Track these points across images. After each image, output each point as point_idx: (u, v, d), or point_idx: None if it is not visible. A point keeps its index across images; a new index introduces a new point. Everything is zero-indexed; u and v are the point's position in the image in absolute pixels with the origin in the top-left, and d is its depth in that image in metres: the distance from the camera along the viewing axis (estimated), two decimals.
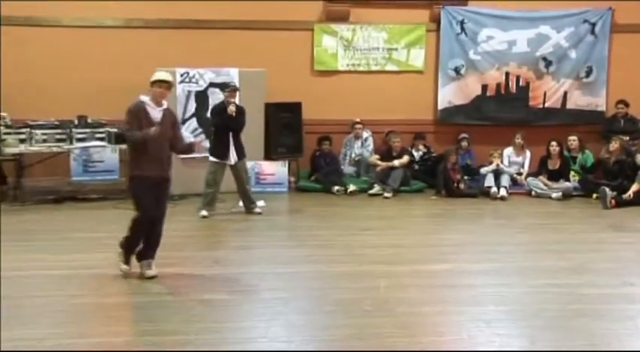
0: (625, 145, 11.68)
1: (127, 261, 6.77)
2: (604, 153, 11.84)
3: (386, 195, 11.35)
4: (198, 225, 9.29)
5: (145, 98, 6.65)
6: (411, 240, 8.48)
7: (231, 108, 9.48)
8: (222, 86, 9.99)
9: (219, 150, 9.58)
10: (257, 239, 8.54)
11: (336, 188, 11.49)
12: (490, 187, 11.46)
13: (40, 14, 11.81)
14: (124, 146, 10.69)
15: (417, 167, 12.34)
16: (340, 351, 5.01)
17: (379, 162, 11.90)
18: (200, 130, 11.24)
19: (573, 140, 12.07)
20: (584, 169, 11.90)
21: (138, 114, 6.58)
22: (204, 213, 9.58)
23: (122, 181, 10.94)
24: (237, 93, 9.75)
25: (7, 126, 10.67)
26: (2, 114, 10.79)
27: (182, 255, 7.56)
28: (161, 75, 6.73)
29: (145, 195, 6.55)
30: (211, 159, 9.67)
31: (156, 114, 6.63)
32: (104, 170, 10.76)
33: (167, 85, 6.71)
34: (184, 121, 11.11)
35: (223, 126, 9.54)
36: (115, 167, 10.77)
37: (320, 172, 11.93)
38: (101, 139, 10.85)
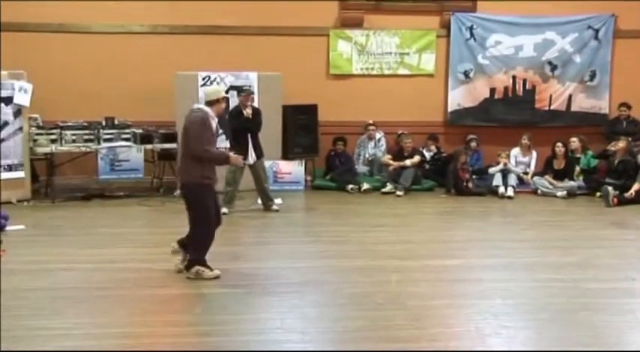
0: (629, 146, 11.54)
1: (209, 268, 6.51)
2: (611, 146, 11.76)
3: (398, 193, 11.30)
4: None
5: (207, 110, 6.53)
6: (422, 236, 8.48)
7: (248, 112, 9.54)
8: (238, 90, 9.97)
9: (238, 150, 9.43)
10: (274, 235, 8.54)
11: (350, 186, 11.44)
12: (498, 186, 11.39)
13: (70, 21, 11.83)
14: (149, 146, 10.84)
15: (427, 166, 12.29)
16: (350, 351, 4.97)
17: (391, 162, 11.84)
18: (221, 131, 10.90)
19: (573, 141, 11.90)
20: (587, 171, 11.76)
21: (209, 126, 6.49)
22: (224, 210, 9.41)
23: (146, 179, 11.12)
24: (253, 97, 9.72)
25: (38, 127, 10.72)
26: (34, 115, 10.84)
27: None
28: (221, 91, 6.85)
29: (213, 206, 6.46)
30: None
31: (214, 125, 6.65)
32: (129, 169, 10.73)
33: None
34: None
35: (241, 128, 9.55)
36: (140, 166, 10.78)
37: (335, 171, 11.89)
38: (127, 139, 10.81)
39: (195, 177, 6.34)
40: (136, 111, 11.36)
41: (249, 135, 9.57)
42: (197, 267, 6.46)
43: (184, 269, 6.55)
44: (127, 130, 10.90)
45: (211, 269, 6.51)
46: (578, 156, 11.96)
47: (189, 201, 6.44)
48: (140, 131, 10.90)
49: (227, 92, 11.13)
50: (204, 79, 11.15)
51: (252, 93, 9.79)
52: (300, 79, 11.92)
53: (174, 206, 10.01)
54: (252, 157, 9.58)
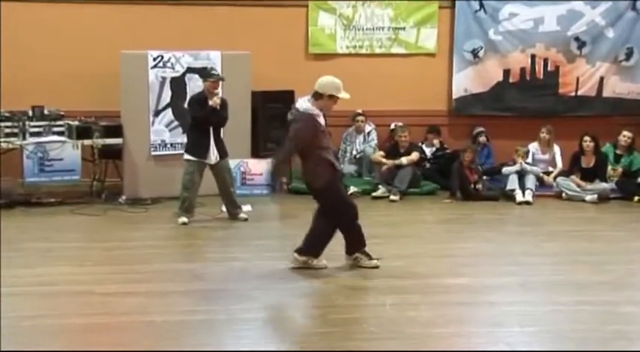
0: None
1: (369, 256, 7.59)
2: None
3: (392, 197, 11.31)
4: (173, 233, 9.28)
5: (312, 109, 7.25)
6: (422, 249, 8.48)
7: (215, 101, 9.52)
8: (204, 73, 9.99)
9: (197, 147, 9.58)
10: (242, 249, 8.49)
11: None
12: (513, 190, 11.45)
13: None
14: (87, 141, 10.75)
15: (428, 165, 12.35)
16: None
17: (384, 160, 11.87)
18: (176, 123, 11.19)
19: (628, 137, 11.93)
20: (627, 174, 11.85)
21: (317, 125, 7.30)
22: (183, 219, 9.58)
23: (85, 182, 11.03)
24: (220, 84, 9.76)
25: None
26: None
27: (155, 269, 7.53)
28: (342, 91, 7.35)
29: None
30: (188, 157, 9.66)
31: (322, 122, 7.38)
32: (63, 169, 10.62)
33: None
34: (158, 112, 11.12)
35: (203, 120, 9.55)
36: (77, 166, 10.70)
37: None
38: (60, 134, 10.76)
39: (326, 175, 7.28)
40: (71, 99, 11.27)
41: (211, 130, 9.61)
42: (358, 255, 7.53)
43: (347, 255, 7.58)
44: (59, 122, 10.83)
45: (371, 258, 7.55)
46: (621, 153, 12.04)
47: (327, 201, 7.47)
48: (76, 123, 10.82)
49: (184, 76, 11.24)
50: (155, 59, 11.09)
51: (223, 79, 9.79)
52: (272, 59, 11.87)
53: (119, 215, 10.07)
54: (214, 156, 9.62)
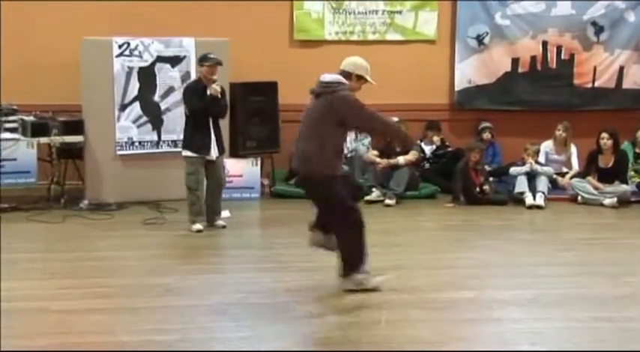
0: None
1: (366, 271, 7.22)
2: None
3: (387, 202, 11.37)
4: (141, 242, 9.24)
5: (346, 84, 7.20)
6: (420, 260, 8.50)
7: (215, 88, 9.58)
8: (201, 58, 9.95)
9: (198, 142, 9.65)
10: (220, 260, 8.58)
11: None
12: (523, 193, 11.47)
13: None
14: (44, 139, 10.70)
15: (427, 166, 12.39)
16: None
17: (378, 160, 11.89)
18: (145, 119, 11.22)
19: None
20: None
21: None
22: (198, 226, 9.66)
23: (42, 185, 10.98)
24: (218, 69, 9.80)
25: None
26: None
27: (121, 282, 7.52)
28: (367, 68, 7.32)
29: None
30: (188, 154, 9.71)
31: None
32: (17, 171, 10.62)
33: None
34: (124, 107, 11.12)
35: (203, 111, 9.62)
36: (32, 167, 10.68)
37: None
38: (12, 130, 10.77)
39: (329, 168, 7.04)
40: (25, 92, 11.26)
41: (211, 122, 9.68)
42: (356, 275, 7.14)
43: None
44: (12, 117, 10.83)
45: (368, 273, 7.19)
46: None
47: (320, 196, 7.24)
48: (31, 119, 10.81)
49: (153, 65, 11.24)
50: (121, 46, 11.08)
51: (221, 63, 9.82)
52: (253, 46, 11.93)
53: (80, 222, 10.08)
54: (215, 151, 9.70)
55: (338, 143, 7.17)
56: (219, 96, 9.64)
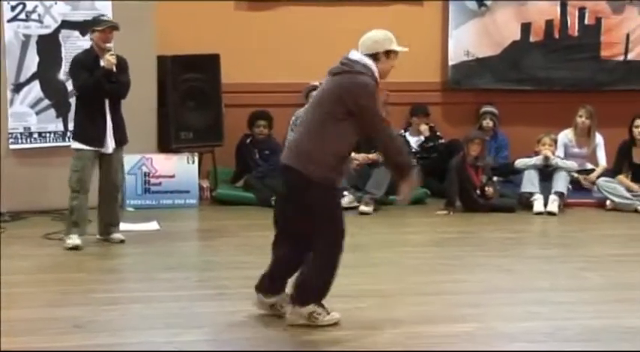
0: None
1: (327, 310, 7.15)
2: None
3: (363, 208, 11.32)
4: (45, 262, 9.11)
5: (374, 69, 7.01)
6: (405, 284, 8.35)
7: (109, 59, 9.27)
8: (90, 23, 9.87)
9: (89, 130, 9.47)
10: (145, 286, 8.37)
11: None
12: (531, 194, 11.42)
13: None
14: None
15: (414, 162, 11.84)
16: None
17: (353, 154, 11.27)
18: (47, 102, 11.06)
19: None
20: None
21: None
22: (74, 241, 9.35)
23: None
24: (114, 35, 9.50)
25: None
26: None
27: (17, 316, 7.20)
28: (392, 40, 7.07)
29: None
30: (77, 146, 9.47)
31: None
32: None
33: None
34: (19, 87, 10.95)
35: (95, 88, 9.35)
36: None
37: (252, 173, 11.96)
38: None
39: (333, 177, 7.00)
40: None
41: (107, 104, 9.43)
42: (314, 309, 7.08)
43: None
44: None
45: (328, 312, 7.09)
46: None
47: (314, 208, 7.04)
48: None
49: (57, 33, 11.16)
50: (14, 9, 10.97)
51: (117, 27, 9.55)
52: (187, 11, 12.04)
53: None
54: (110, 142, 9.51)
55: (347, 142, 7.00)
56: (114, 69, 9.33)
